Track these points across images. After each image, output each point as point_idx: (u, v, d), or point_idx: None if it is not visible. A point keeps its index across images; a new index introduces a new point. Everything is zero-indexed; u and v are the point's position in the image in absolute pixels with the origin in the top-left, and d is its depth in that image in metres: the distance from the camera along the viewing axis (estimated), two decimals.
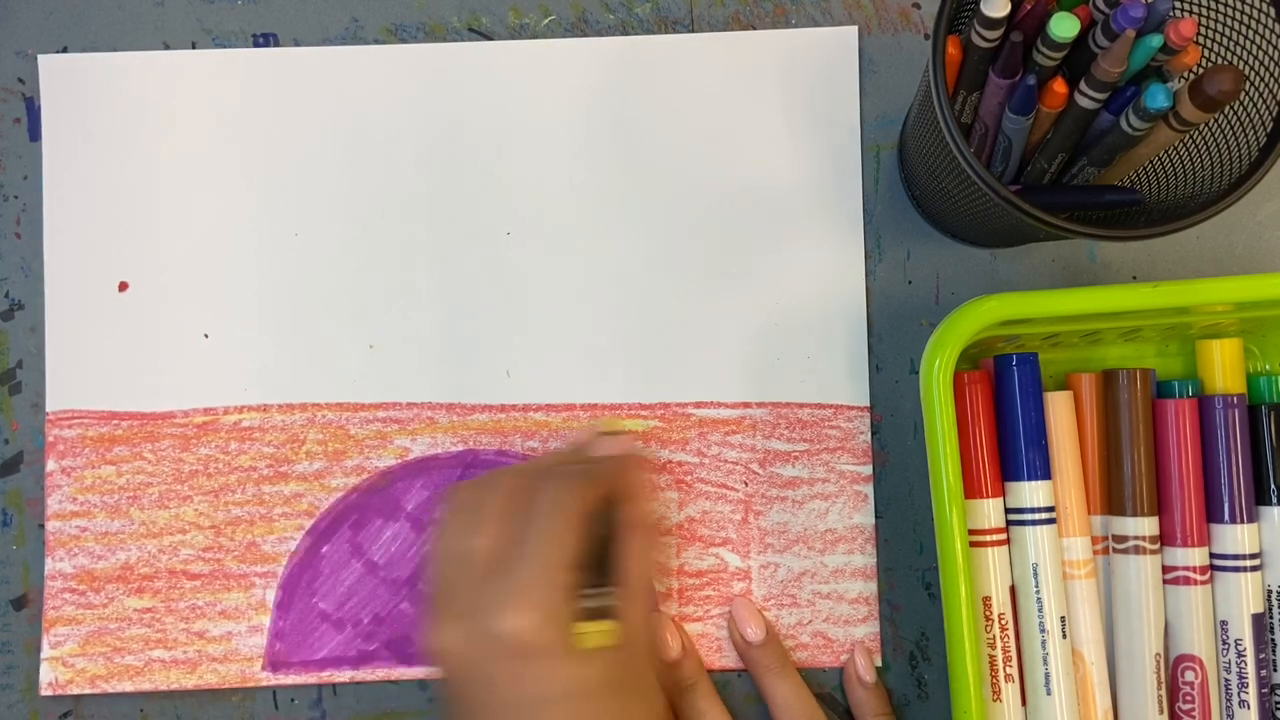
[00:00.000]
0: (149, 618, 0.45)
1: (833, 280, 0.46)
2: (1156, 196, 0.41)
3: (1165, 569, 0.41)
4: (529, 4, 0.46)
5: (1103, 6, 0.36)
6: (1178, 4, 0.39)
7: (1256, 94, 0.37)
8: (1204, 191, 0.38)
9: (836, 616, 0.45)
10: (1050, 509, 0.41)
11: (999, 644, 0.40)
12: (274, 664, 0.45)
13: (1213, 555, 0.41)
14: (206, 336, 0.46)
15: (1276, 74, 0.36)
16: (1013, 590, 0.41)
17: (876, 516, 0.45)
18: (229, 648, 0.45)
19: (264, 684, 0.44)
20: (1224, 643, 0.41)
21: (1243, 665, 0.41)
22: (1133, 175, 0.42)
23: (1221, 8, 0.38)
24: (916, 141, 0.42)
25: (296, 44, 0.47)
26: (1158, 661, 0.41)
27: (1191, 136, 0.39)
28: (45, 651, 0.45)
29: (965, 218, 0.42)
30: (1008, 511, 0.41)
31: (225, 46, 0.46)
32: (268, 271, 0.46)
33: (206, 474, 0.45)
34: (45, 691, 0.44)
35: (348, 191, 0.46)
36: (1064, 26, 0.35)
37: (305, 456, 0.45)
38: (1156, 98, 0.36)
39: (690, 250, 0.46)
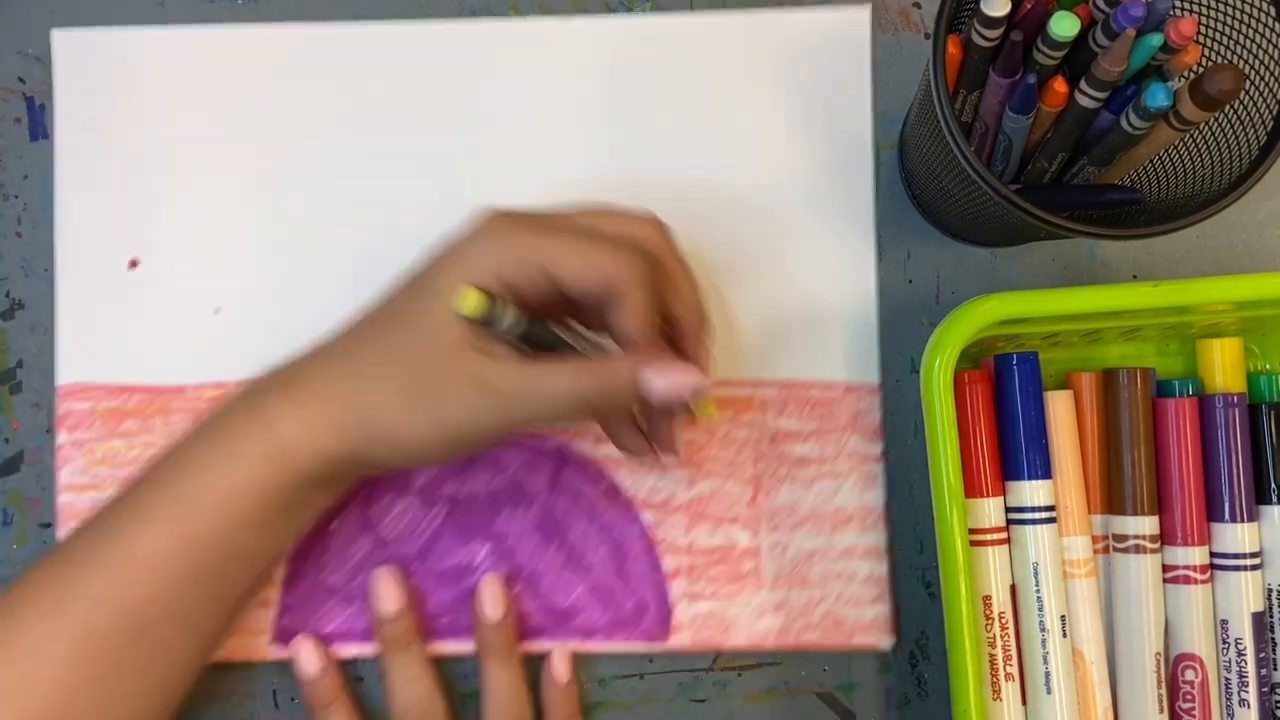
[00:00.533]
0: None
1: (843, 262, 0.46)
2: (1156, 196, 0.41)
3: (1165, 568, 0.41)
4: (529, 2, 0.46)
5: (1103, 6, 0.36)
6: (1178, 3, 0.39)
7: (1256, 93, 0.37)
8: (1204, 191, 0.38)
9: (848, 597, 0.45)
10: (1050, 508, 0.41)
11: (999, 643, 0.41)
12: (282, 638, 0.44)
13: (1213, 554, 0.41)
14: (217, 312, 0.46)
15: (1276, 73, 0.36)
16: (1013, 589, 0.41)
17: (887, 495, 0.45)
18: (236, 621, 0.44)
19: (271, 658, 0.44)
20: (1224, 642, 0.41)
21: (1243, 664, 0.41)
22: (1133, 174, 0.42)
23: (1221, 7, 0.38)
24: (916, 141, 0.42)
25: None
26: (1158, 660, 0.41)
27: (1191, 136, 0.39)
28: None
29: (965, 217, 0.42)
30: (1008, 511, 0.41)
31: None
32: (278, 247, 0.46)
33: None
34: None
35: (358, 167, 0.46)
36: (1064, 26, 0.35)
37: None
38: (1157, 97, 0.36)
39: (696, 231, 0.45)
